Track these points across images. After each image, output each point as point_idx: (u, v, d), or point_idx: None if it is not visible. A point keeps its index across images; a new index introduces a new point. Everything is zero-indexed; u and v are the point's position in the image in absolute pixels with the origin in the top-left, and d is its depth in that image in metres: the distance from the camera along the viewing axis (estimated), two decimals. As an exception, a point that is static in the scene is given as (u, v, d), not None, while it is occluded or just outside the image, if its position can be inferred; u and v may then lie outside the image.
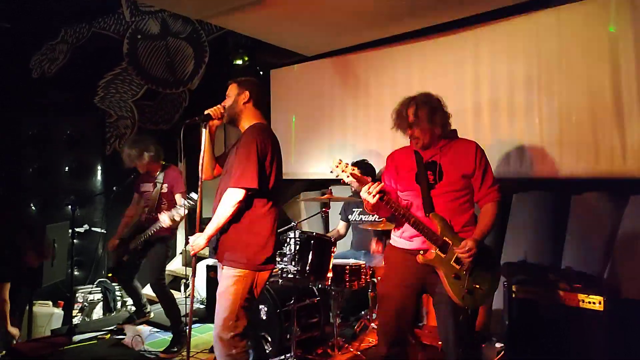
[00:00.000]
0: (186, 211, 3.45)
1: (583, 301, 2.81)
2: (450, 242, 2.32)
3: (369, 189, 2.24)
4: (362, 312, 4.01)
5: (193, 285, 2.58)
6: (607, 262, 3.31)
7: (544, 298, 2.96)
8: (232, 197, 2.34)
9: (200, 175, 2.52)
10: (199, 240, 2.41)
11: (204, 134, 2.50)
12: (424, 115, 2.38)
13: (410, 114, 2.41)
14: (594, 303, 2.77)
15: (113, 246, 4.00)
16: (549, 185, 3.76)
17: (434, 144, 2.45)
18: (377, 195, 2.23)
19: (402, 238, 2.48)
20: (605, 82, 3.43)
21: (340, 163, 2.25)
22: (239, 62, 5.52)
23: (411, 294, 2.43)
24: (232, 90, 2.57)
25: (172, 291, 4.12)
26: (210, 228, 2.40)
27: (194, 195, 3.39)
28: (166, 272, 4.37)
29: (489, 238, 3.96)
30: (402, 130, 2.48)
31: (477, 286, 2.31)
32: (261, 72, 5.74)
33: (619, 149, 3.39)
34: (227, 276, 2.40)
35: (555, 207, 3.70)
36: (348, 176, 2.22)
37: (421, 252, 2.35)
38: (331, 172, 2.28)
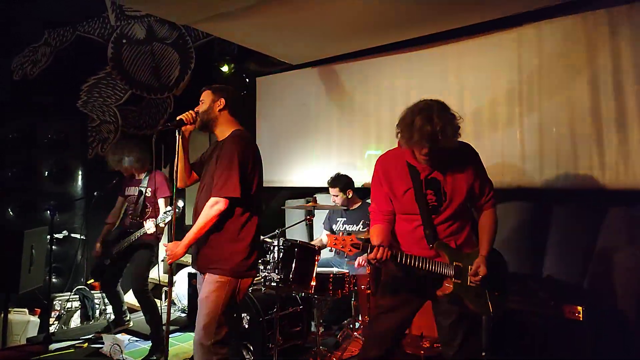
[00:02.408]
0: (170, 217, 3.42)
1: (564, 311, 2.84)
2: (461, 264, 2.23)
3: (376, 257, 2.06)
4: (345, 321, 4.00)
5: (170, 295, 2.56)
6: (587, 272, 3.37)
7: (525, 307, 2.99)
8: (214, 207, 2.34)
9: (175, 182, 2.50)
10: (177, 250, 2.39)
11: (178, 140, 2.49)
12: (450, 132, 2.04)
13: (437, 128, 2.01)
14: (573, 312, 2.81)
15: (97, 251, 3.95)
16: (530, 196, 3.82)
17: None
18: (386, 260, 2.07)
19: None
20: (585, 95, 3.51)
21: (337, 239, 2.12)
22: (225, 69, 5.52)
23: (413, 307, 2.34)
24: (207, 96, 2.56)
25: (153, 299, 4.06)
26: (189, 236, 2.39)
27: (180, 203, 3.39)
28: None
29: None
30: (413, 145, 2.11)
31: (497, 293, 2.29)
32: (247, 80, 5.74)
33: (597, 162, 3.46)
34: (209, 282, 2.39)
35: (536, 217, 3.76)
36: (350, 250, 2.11)
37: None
38: (331, 250, 2.18)
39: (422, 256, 2.19)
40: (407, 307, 2.33)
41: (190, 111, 2.52)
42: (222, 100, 2.53)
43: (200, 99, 2.58)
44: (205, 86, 2.62)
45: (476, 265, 2.22)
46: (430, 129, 2.02)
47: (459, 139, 2.16)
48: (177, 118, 2.47)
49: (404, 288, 2.33)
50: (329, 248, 4.27)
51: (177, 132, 2.48)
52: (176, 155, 2.50)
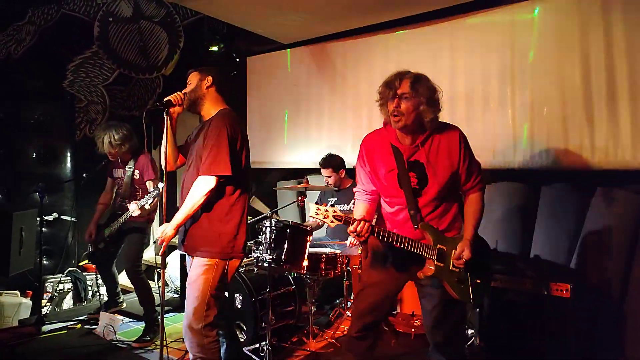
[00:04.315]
0: (153, 200, 3.40)
1: (551, 288, 2.90)
2: (444, 248, 2.20)
3: (356, 230, 2.03)
4: (337, 301, 4.05)
5: (163, 277, 2.55)
6: (574, 251, 3.42)
7: (514, 286, 3.04)
8: (204, 185, 2.30)
9: (163, 165, 2.46)
10: (167, 230, 2.36)
11: (166, 121, 2.44)
12: (423, 91, 2.08)
13: (404, 85, 2.09)
14: (561, 290, 2.86)
15: (90, 234, 3.91)
16: (520, 176, 3.84)
17: (416, 131, 2.16)
18: (367, 235, 2.04)
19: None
20: (576, 75, 3.51)
21: (319, 209, 2.07)
22: (215, 48, 5.43)
23: (396, 284, 2.32)
24: (193, 77, 2.54)
25: (145, 280, 4.06)
26: (178, 217, 2.36)
27: (160, 184, 3.35)
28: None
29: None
30: (385, 104, 2.15)
31: (479, 281, 2.26)
32: (237, 59, 5.66)
33: (587, 142, 3.48)
34: (198, 265, 2.38)
35: (525, 197, 3.79)
36: (332, 221, 2.05)
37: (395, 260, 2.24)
38: (312, 218, 2.09)
39: (406, 236, 2.15)
40: (389, 283, 2.30)
41: (179, 92, 2.49)
42: (209, 78, 2.51)
43: (187, 81, 2.55)
44: (191, 69, 2.60)
45: (460, 248, 2.19)
46: (400, 80, 2.10)
47: (451, 123, 2.16)
48: (165, 99, 2.44)
49: (387, 264, 2.30)
50: (322, 229, 4.32)
51: (165, 114, 2.44)
52: (164, 138, 2.45)
